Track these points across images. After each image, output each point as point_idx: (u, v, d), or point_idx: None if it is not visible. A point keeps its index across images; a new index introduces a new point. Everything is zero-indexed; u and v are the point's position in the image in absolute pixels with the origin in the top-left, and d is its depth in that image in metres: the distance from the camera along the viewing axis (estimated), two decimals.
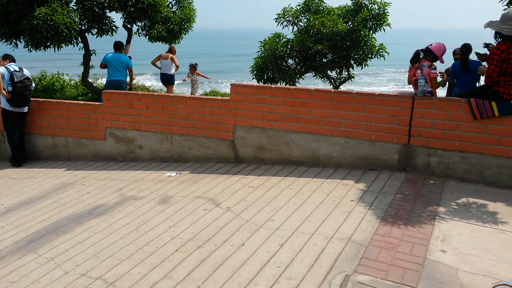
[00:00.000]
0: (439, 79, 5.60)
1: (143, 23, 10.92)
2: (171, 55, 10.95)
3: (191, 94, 12.44)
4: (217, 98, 6.17)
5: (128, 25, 10.87)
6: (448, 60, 6.39)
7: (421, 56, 5.15)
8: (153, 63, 11.26)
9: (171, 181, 5.60)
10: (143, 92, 7.22)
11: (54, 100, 7.49)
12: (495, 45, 4.66)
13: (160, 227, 4.20)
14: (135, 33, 11.19)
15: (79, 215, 4.73)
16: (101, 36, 10.21)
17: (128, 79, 9.55)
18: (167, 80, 11.29)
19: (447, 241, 3.62)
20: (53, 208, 5.00)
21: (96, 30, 10.11)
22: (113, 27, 10.25)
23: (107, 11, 10.06)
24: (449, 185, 4.87)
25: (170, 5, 11.13)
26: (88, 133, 7.02)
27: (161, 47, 11.09)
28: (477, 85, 6.30)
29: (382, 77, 35.56)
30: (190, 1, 11.47)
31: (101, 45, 12.07)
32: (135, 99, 6.53)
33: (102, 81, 13.05)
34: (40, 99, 7.50)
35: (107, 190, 5.48)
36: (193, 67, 11.84)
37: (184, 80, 12.54)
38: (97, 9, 9.70)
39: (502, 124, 4.69)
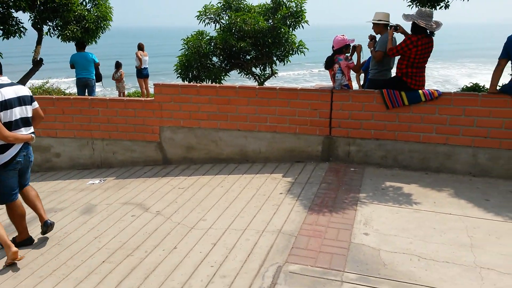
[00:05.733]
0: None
1: (54, 23, 10.21)
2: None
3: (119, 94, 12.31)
4: (141, 99, 5.98)
5: (38, 26, 10.10)
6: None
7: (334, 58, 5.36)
8: (140, 67, 12.09)
9: (95, 189, 5.34)
10: (58, 96, 6.78)
11: None
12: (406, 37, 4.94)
13: (85, 238, 3.99)
14: (46, 33, 10.43)
15: None
16: (7, 38, 9.39)
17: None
18: (147, 74, 12.51)
19: (369, 224, 3.86)
20: None
21: (1, 31, 9.28)
22: (21, 28, 9.50)
23: (13, 10, 9.26)
24: (368, 171, 5.19)
25: (84, 3, 10.51)
26: None
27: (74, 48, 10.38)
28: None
29: (305, 73, 36.79)
30: None
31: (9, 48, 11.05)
32: (49, 104, 6.11)
33: None
34: None
35: None
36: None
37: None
38: (1, 9, 8.90)
39: (412, 112, 5.09)
